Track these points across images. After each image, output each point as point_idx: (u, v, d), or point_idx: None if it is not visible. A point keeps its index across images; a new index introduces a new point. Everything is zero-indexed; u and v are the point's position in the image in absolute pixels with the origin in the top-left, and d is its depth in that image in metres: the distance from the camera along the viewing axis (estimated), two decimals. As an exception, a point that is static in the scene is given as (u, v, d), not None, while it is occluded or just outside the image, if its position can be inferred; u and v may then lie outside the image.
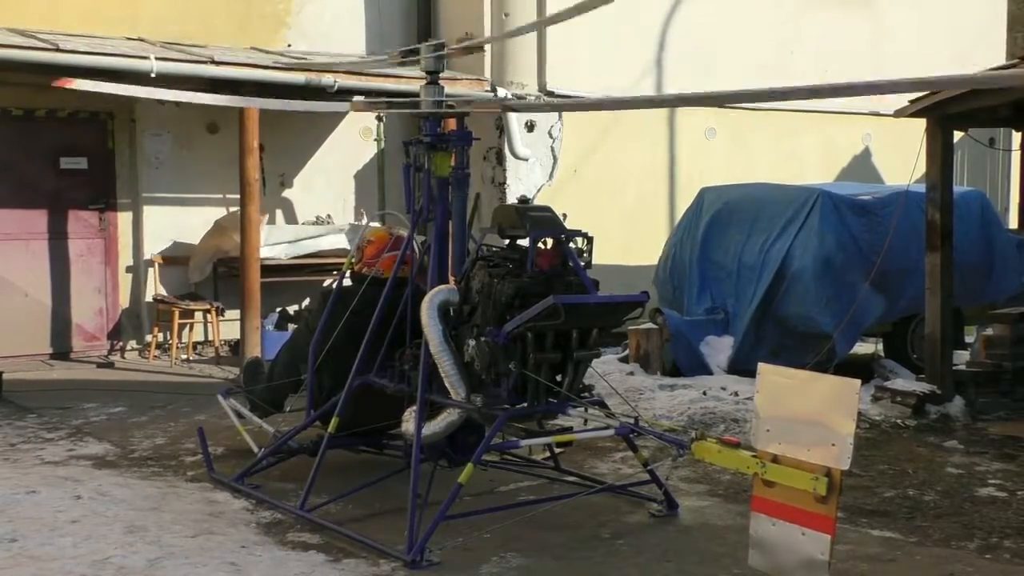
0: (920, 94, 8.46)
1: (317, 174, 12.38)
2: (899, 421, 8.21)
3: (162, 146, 11.57)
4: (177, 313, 11.11)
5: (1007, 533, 5.64)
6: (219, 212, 11.68)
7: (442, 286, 5.82)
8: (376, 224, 7.18)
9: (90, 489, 6.27)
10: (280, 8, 12.12)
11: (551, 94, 12.30)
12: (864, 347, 10.89)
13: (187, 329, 11.50)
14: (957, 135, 9.27)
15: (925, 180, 8.65)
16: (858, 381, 4.10)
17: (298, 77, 10.46)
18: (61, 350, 11.24)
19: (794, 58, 13.72)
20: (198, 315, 11.54)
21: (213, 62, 10.22)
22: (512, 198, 11.57)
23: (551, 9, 12.26)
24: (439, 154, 5.95)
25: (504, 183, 12.32)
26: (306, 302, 12.03)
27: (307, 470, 6.06)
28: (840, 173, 14.09)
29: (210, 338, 11.58)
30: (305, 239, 11.63)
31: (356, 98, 10.63)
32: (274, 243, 11.38)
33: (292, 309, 11.83)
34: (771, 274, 9.72)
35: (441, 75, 6.15)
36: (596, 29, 12.45)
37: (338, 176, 12.53)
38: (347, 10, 12.51)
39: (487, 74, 12.15)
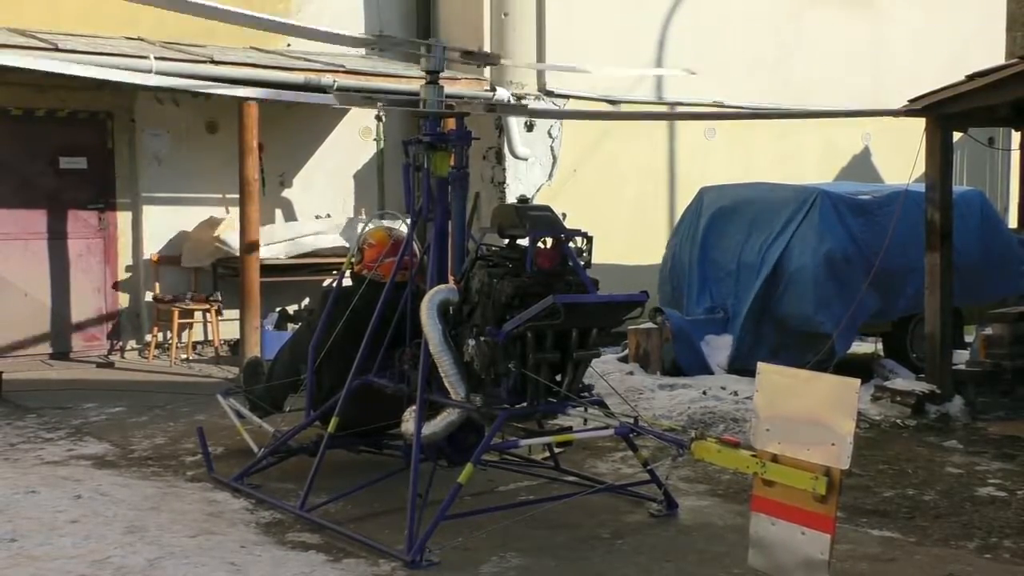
0: (919, 94, 8.48)
1: (317, 174, 12.38)
2: (899, 421, 8.21)
3: (161, 145, 11.57)
4: (177, 313, 11.10)
5: (1007, 533, 5.64)
6: (219, 212, 11.68)
7: (441, 286, 5.82)
8: (374, 224, 7.17)
9: (90, 489, 6.27)
10: (280, 8, 12.11)
11: (550, 94, 12.33)
12: (864, 347, 10.89)
13: (187, 329, 11.50)
14: (957, 135, 9.27)
15: (924, 180, 8.65)
16: (857, 381, 4.10)
17: (297, 77, 10.47)
18: (61, 350, 11.24)
19: (794, 58, 13.73)
20: (197, 315, 11.54)
21: (212, 61, 10.24)
22: (511, 198, 11.57)
23: (551, 11, 12.31)
24: (438, 153, 5.95)
25: (504, 183, 12.32)
26: (306, 302, 12.03)
27: (307, 470, 6.06)
28: (840, 173, 14.09)
29: (210, 338, 11.59)
30: (305, 236, 11.65)
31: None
32: (274, 242, 11.38)
33: (292, 309, 11.83)
34: (770, 273, 9.74)
35: (441, 75, 6.16)
36: (596, 29, 12.48)
37: (338, 176, 12.52)
38: (347, 10, 12.51)
39: (487, 74, 12.15)
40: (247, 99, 10.06)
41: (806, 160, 13.77)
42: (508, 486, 6.51)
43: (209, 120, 11.67)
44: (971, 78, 8.15)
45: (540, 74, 12.28)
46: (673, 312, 10.05)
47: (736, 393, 8.69)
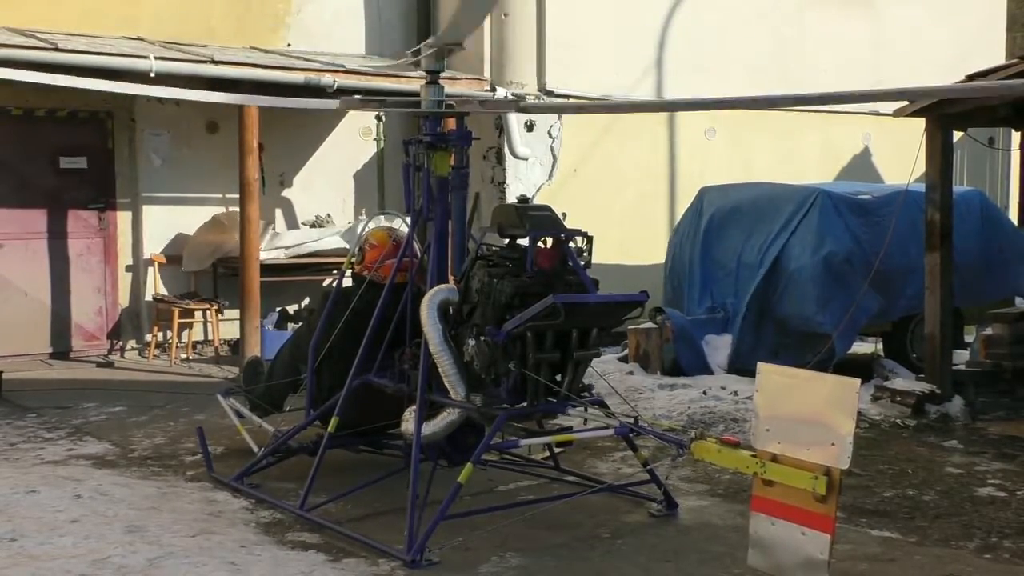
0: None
1: (317, 174, 12.38)
2: (899, 421, 8.21)
3: (162, 145, 11.57)
4: (177, 313, 11.10)
5: (1007, 533, 5.64)
6: (219, 212, 11.68)
7: (442, 286, 5.82)
8: (375, 224, 7.17)
9: (90, 489, 6.27)
10: (280, 8, 12.12)
11: (550, 94, 12.32)
12: (864, 347, 10.89)
13: (187, 329, 11.50)
14: (957, 135, 9.27)
15: (924, 180, 8.65)
16: (857, 381, 4.10)
17: (297, 77, 10.47)
18: (61, 350, 11.23)
19: (794, 58, 13.72)
20: (198, 315, 11.54)
21: (212, 61, 10.23)
22: (512, 197, 11.57)
23: (551, 11, 12.31)
24: (439, 153, 5.95)
25: (504, 183, 12.32)
26: (306, 302, 12.03)
27: (307, 470, 6.06)
28: (840, 173, 14.09)
29: (210, 338, 11.59)
30: (306, 243, 11.64)
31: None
32: (276, 247, 11.39)
33: (292, 309, 11.83)
34: (770, 273, 9.74)
35: (441, 75, 6.15)
36: (596, 28, 12.48)
37: (338, 176, 12.52)
38: (347, 9, 12.50)
39: (487, 74, 12.15)
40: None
41: (806, 160, 13.76)
42: (508, 486, 6.51)
43: (209, 120, 11.67)
44: (971, 78, 8.14)
45: (540, 73, 12.29)
46: (674, 311, 10.04)
47: (736, 393, 8.68)
